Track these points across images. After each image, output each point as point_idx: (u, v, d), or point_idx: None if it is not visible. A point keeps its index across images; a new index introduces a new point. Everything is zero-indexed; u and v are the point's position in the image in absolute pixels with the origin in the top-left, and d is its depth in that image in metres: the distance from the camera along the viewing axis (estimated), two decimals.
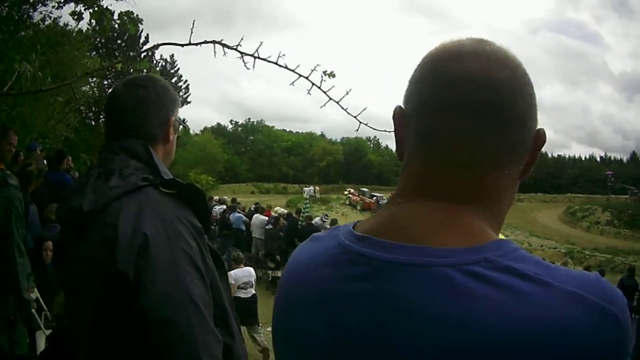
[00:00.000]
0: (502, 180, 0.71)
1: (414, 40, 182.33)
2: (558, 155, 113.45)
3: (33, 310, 4.03)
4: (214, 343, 1.25)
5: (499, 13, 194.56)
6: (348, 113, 3.14)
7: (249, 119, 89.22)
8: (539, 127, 0.74)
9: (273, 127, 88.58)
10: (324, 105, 3.13)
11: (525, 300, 0.58)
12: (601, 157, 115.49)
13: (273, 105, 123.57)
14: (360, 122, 3.16)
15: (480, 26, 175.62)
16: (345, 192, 54.66)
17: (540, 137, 0.73)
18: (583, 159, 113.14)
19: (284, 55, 3.10)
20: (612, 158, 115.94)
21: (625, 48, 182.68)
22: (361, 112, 3.17)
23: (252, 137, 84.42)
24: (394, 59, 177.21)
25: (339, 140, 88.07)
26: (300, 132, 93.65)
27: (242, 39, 3.15)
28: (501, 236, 0.72)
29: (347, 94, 3.10)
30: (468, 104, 0.68)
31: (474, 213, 0.68)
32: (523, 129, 0.71)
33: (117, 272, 1.20)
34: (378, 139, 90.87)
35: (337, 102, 3.10)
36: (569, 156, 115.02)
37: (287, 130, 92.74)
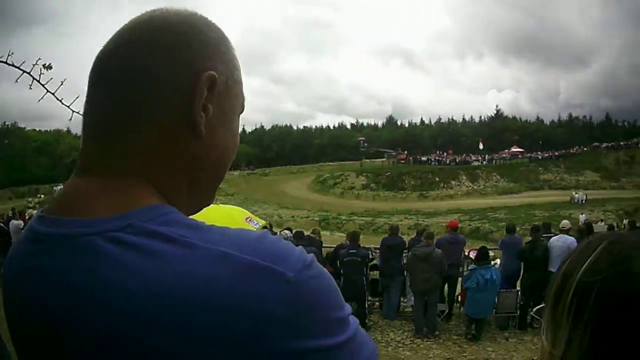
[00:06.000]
0: (145, 140, 0.67)
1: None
2: (304, 126, 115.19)
3: None
4: None
5: None
6: (63, 104, 3.30)
7: (5, 122, 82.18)
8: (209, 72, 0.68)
9: (24, 128, 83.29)
10: (41, 98, 3.29)
11: (164, 263, 0.58)
12: (352, 124, 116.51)
13: (12, 105, 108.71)
14: (73, 111, 3.30)
15: None
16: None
17: (201, 82, 0.68)
18: (332, 127, 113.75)
19: (12, 53, 3.18)
20: (365, 124, 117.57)
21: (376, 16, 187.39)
22: (74, 100, 3.22)
23: (7, 141, 77.06)
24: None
25: None
26: (49, 130, 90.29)
27: None
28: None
29: (61, 84, 3.28)
30: (97, 72, 0.71)
31: (126, 181, 0.67)
32: (145, 83, 0.67)
33: None
34: None
35: (53, 94, 3.28)
36: (316, 126, 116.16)
37: (37, 129, 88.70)
